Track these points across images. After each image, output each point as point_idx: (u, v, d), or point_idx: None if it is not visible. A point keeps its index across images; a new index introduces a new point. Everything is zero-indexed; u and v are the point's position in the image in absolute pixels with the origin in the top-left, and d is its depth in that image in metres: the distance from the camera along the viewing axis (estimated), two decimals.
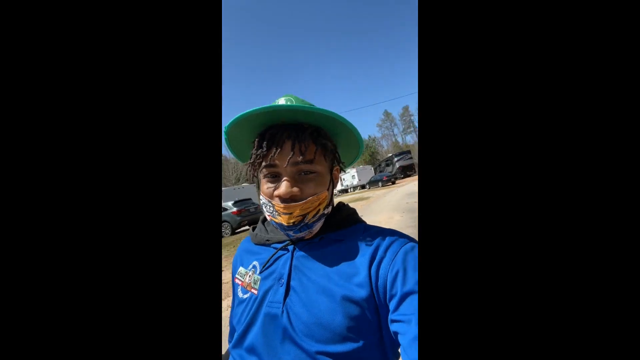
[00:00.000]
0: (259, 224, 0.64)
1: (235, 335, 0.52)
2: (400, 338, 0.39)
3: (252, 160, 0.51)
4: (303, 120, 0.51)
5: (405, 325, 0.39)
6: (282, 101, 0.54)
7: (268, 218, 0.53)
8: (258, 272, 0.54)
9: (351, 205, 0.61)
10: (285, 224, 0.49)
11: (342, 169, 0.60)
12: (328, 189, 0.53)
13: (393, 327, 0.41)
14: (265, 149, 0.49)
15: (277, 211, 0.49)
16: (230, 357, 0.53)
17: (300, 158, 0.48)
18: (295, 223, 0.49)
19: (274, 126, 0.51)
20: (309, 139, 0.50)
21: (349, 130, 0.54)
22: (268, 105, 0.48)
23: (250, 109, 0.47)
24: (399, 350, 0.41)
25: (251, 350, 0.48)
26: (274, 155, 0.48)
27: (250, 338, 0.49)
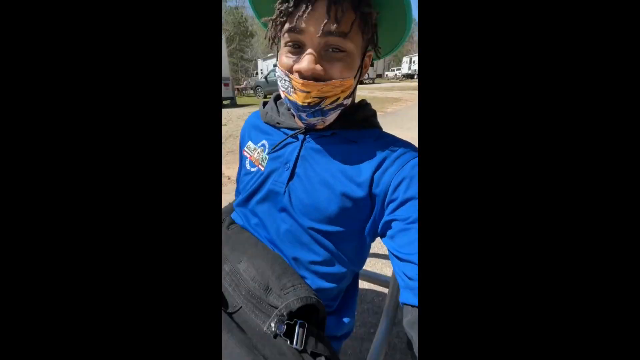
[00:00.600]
0: (271, 102, 0.59)
1: (240, 197, 0.57)
2: (391, 234, 0.44)
3: (274, 17, 0.42)
4: None
5: (402, 226, 0.42)
6: None
7: (282, 95, 0.48)
8: (267, 151, 0.53)
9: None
10: (300, 103, 0.44)
11: (376, 56, 0.50)
12: (355, 76, 0.45)
13: (385, 226, 0.45)
14: (292, 4, 0.40)
15: (293, 87, 0.43)
16: (235, 212, 0.60)
17: (334, 27, 0.39)
18: (311, 104, 0.44)
19: None
20: (349, 3, 0.40)
21: (399, 2, 0.42)
22: None
23: None
24: (390, 243, 0.45)
25: (254, 212, 0.54)
26: (303, 15, 0.39)
27: (253, 203, 0.54)
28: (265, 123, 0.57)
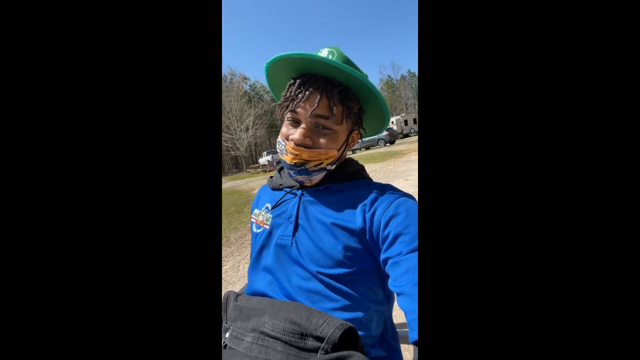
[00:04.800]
0: (276, 172, 0.71)
1: (252, 259, 0.63)
2: (387, 270, 0.47)
3: (280, 102, 0.58)
4: (335, 76, 0.54)
5: (394, 260, 0.46)
6: (324, 52, 0.58)
7: (278, 157, 0.60)
8: (270, 210, 0.63)
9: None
10: (289, 163, 0.56)
11: (361, 135, 0.66)
12: (339, 149, 0.58)
13: (384, 264, 0.49)
14: (293, 94, 0.55)
15: (286, 150, 0.56)
16: (248, 280, 0.63)
17: (321, 112, 0.53)
18: (297, 164, 0.55)
19: (307, 74, 0.56)
20: (337, 97, 0.54)
21: (377, 101, 0.57)
22: (304, 52, 0.52)
23: (288, 52, 0.53)
24: (389, 281, 0.48)
25: (266, 269, 0.58)
26: (299, 102, 0.54)
27: (264, 260, 0.59)
28: (272, 189, 0.68)
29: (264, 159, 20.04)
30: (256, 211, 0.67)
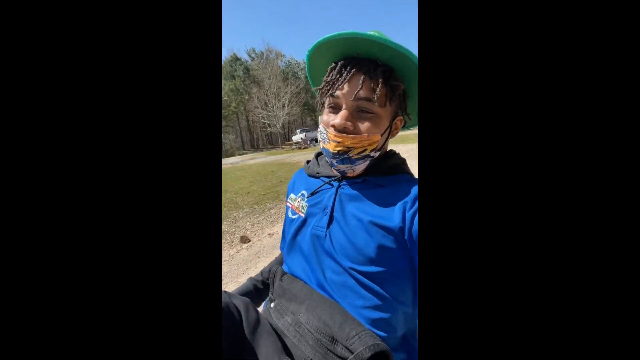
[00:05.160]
0: (313, 158, 0.70)
1: (286, 243, 0.65)
2: None
3: (321, 87, 0.56)
4: (379, 56, 0.52)
5: None
6: None
7: (320, 145, 0.59)
8: (306, 199, 0.63)
9: None
10: (332, 151, 0.54)
11: (406, 121, 0.62)
12: (382, 134, 0.55)
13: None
14: (334, 77, 0.53)
15: (328, 138, 0.54)
16: (285, 261, 0.66)
17: (363, 94, 0.50)
18: (340, 152, 0.53)
19: (348, 58, 0.54)
20: (379, 77, 0.51)
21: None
22: (346, 31, 0.49)
23: (330, 34, 0.50)
24: None
25: (302, 254, 0.60)
26: (340, 84, 0.52)
27: (300, 245, 0.61)
28: (308, 175, 0.68)
29: (297, 137, 20.88)
30: (292, 196, 0.67)
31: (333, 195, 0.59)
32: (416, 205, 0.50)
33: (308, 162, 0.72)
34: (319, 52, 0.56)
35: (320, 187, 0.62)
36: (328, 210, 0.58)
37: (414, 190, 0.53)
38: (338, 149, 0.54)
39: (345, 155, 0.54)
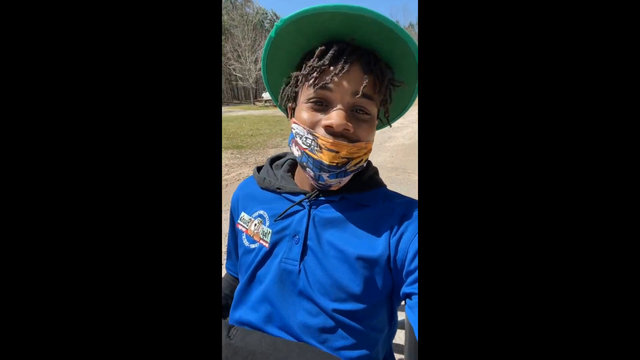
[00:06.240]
0: (266, 166, 0.57)
1: (243, 280, 0.51)
2: (411, 305, 0.41)
3: (305, 72, 0.42)
4: (378, 47, 0.42)
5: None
6: None
7: (297, 154, 0.45)
8: (267, 223, 0.49)
9: None
10: (327, 163, 0.41)
11: (382, 123, 0.52)
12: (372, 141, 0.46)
13: (405, 296, 0.43)
14: (327, 62, 0.40)
15: (319, 146, 0.41)
16: (236, 307, 0.51)
17: (366, 90, 0.40)
18: (339, 165, 0.42)
19: (342, 42, 0.41)
20: (385, 72, 0.42)
21: (416, 78, 0.44)
22: (347, 4, 0.37)
23: (323, 4, 0.37)
24: (405, 309, 0.46)
25: (264, 298, 0.47)
26: (338, 73, 0.39)
27: (260, 285, 0.48)
28: (263, 189, 0.53)
29: (267, 94, 20.97)
30: (244, 216, 0.53)
31: (305, 218, 0.47)
32: (400, 231, 0.44)
33: (258, 169, 0.57)
34: (295, 28, 0.41)
35: (289, 209, 0.48)
36: (300, 237, 0.46)
37: (396, 212, 0.46)
38: (336, 161, 0.41)
39: (343, 168, 0.43)
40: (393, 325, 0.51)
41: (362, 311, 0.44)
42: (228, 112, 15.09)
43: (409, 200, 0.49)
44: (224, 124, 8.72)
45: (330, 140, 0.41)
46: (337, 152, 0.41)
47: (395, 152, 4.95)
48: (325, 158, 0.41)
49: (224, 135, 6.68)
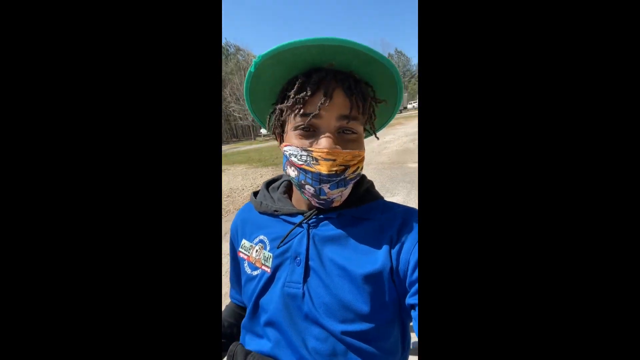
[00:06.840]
0: (262, 190, 0.57)
1: (248, 309, 0.51)
2: (416, 316, 0.40)
3: (289, 104, 0.43)
4: (356, 69, 0.43)
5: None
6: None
7: (293, 174, 0.45)
8: (268, 248, 0.50)
9: None
10: (326, 173, 0.42)
11: (368, 133, 0.53)
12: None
13: (410, 307, 0.42)
14: (309, 93, 0.41)
15: (315, 158, 0.42)
16: (245, 334, 0.52)
17: (350, 113, 0.42)
18: (338, 173, 0.42)
19: (321, 70, 0.42)
20: (366, 92, 0.44)
21: (396, 94, 0.47)
22: (324, 37, 0.38)
23: (300, 39, 0.38)
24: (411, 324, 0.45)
25: (270, 324, 0.47)
26: (323, 103, 0.40)
27: (266, 312, 0.48)
28: (261, 213, 0.54)
29: (264, 130, 22.21)
30: (245, 243, 0.54)
31: (304, 238, 0.47)
32: (400, 241, 0.44)
33: (255, 194, 0.58)
34: (273, 62, 0.42)
35: (291, 231, 0.48)
36: (301, 258, 0.46)
37: (395, 223, 0.46)
38: (334, 169, 0.42)
39: (342, 176, 0.43)
40: (406, 347, 0.50)
41: (372, 331, 0.43)
42: (236, 149, 16.64)
43: (407, 209, 0.49)
44: (247, 155, 10.45)
45: (326, 150, 0.41)
46: (334, 159, 0.42)
47: (391, 155, 6.62)
48: (323, 168, 0.42)
49: (257, 160, 8.85)
